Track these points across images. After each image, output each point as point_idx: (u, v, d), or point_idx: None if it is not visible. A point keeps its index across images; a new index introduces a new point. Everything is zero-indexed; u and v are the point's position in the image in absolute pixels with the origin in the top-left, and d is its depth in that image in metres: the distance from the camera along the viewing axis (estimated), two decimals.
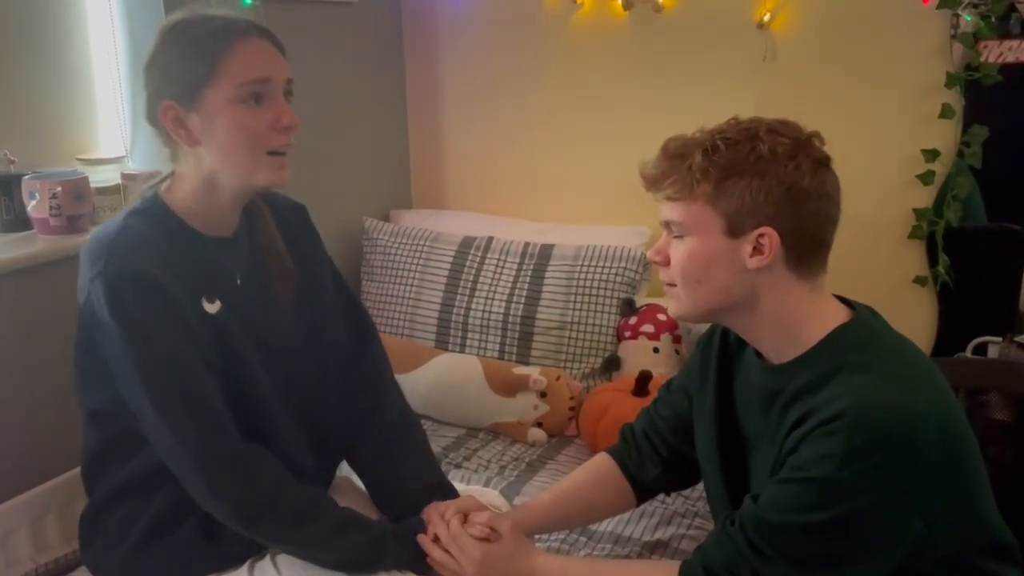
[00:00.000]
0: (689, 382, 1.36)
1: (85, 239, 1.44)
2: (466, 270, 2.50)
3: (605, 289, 2.37)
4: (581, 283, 2.38)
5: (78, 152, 2.06)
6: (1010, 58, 2.15)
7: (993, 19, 2.13)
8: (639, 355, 2.30)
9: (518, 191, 2.77)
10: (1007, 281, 2.26)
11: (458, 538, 1.29)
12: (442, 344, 2.47)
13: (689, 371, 1.37)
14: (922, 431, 1.04)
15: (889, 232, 2.35)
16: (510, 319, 2.40)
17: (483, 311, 2.43)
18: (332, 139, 2.60)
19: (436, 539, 1.32)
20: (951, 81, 2.20)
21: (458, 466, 2.09)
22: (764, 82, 2.37)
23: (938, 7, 2.18)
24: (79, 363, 1.32)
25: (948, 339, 2.32)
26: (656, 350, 2.30)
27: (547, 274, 2.42)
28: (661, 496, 1.67)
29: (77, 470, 1.43)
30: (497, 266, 2.47)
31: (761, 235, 1.10)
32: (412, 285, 2.54)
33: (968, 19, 2.16)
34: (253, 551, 1.33)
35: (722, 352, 1.29)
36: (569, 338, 2.37)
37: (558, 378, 2.23)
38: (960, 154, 2.23)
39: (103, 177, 2.04)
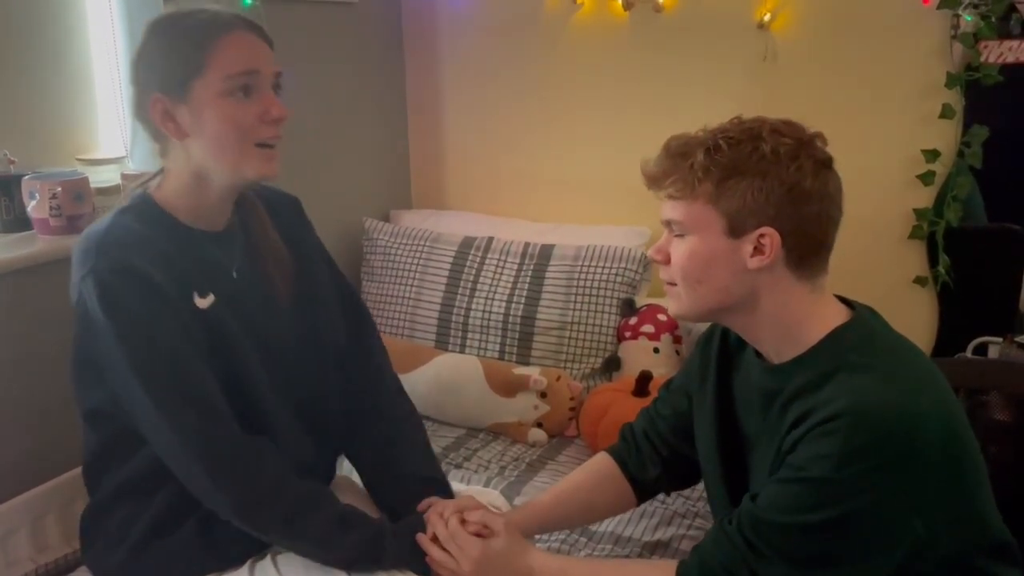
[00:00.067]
0: (689, 382, 1.36)
1: None
2: (466, 270, 2.50)
3: (605, 289, 2.37)
4: (581, 283, 2.38)
5: (78, 152, 2.06)
6: (1010, 58, 2.15)
7: (993, 19, 2.13)
8: (639, 355, 2.30)
9: (518, 191, 2.77)
10: (1007, 281, 2.26)
11: (456, 537, 1.29)
12: (442, 344, 2.47)
13: (689, 371, 1.37)
14: (922, 431, 1.04)
15: (889, 232, 2.35)
16: (510, 319, 2.40)
17: (483, 311, 2.43)
18: (332, 139, 2.60)
19: (435, 538, 1.32)
20: (951, 81, 2.20)
21: (458, 466, 2.09)
22: (764, 82, 2.37)
23: (938, 7, 2.18)
24: (75, 363, 1.32)
25: (948, 339, 2.32)
26: (656, 350, 2.30)
27: (547, 274, 2.42)
28: (661, 496, 1.67)
29: (77, 470, 1.43)
30: (497, 266, 2.47)
31: (762, 235, 1.10)
32: (412, 285, 2.54)
33: (968, 19, 2.16)
34: (253, 551, 1.33)
35: (722, 352, 1.29)
36: (569, 338, 2.37)
37: (558, 378, 2.23)
38: (960, 154, 2.24)
39: (103, 177, 2.04)
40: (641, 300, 2.41)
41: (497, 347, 2.41)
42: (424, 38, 2.81)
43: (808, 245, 1.12)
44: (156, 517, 1.31)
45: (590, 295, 2.37)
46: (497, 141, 2.79)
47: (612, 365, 2.35)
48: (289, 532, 1.27)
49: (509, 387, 2.23)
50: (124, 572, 1.33)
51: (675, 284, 1.17)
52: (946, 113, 2.22)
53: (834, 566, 1.07)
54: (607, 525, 1.77)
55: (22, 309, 1.75)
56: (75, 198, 1.83)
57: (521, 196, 2.76)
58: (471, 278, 2.48)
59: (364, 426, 1.49)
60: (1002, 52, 2.15)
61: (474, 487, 1.65)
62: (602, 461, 1.45)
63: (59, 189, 1.80)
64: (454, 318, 2.47)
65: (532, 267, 2.44)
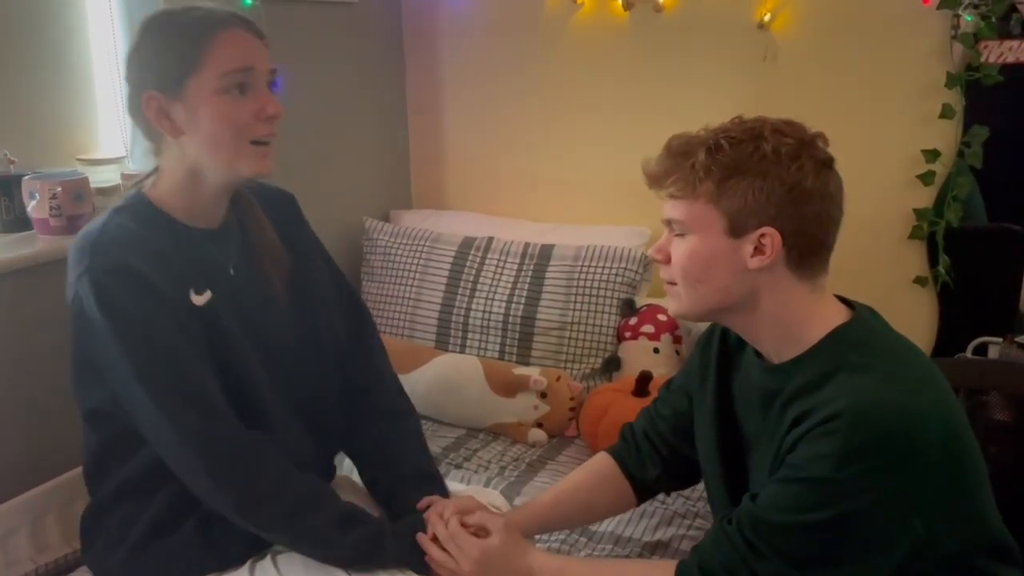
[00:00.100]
0: (689, 382, 1.36)
1: None
2: (466, 270, 2.50)
3: (605, 289, 2.37)
4: (581, 283, 2.38)
5: (78, 152, 2.06)
6: (1010, 58, 2.15)
7: (993, 19, 2.13)
8: (639, 355, 2.30)
9: (518, 191, 2.77)
10: (1007, 281, 2.26)
11: (456, 537, 1.29)
12: (442, 344, 2.47)
13: (689, 371, 1.37)
14: (922, 431, 1.04)
15: (889, 232, 2.35)
16: (510, 319, 2.40)
17: (483, 311, 2.43)
18: (332, 139, 2.60)
19: (435, 538, 1.32)
20: (951, 81, 2.20)
21: (458, 467, 2.09)
22: (764, 82, 2.37)
23: (938, 7, 2.18)
24: (74, 363, 1.32)
25: (948, 339, 2.32)
26: (656, 350, 2.30)
27: (547, 274, 2.42)
28: (661, 496, 1.67)
29: (77, 470, 1.43)
30: (497, 266, 2.47)
31: (763, 235, 1.10)
32: (412, 285, 2.54)
33: (968, 19, 2.16)
34: (254, 551, 1.33)
35: (722, 352, 1.29)
36: (569, 338, 2.37)
37: (558, 378, 2.23)
38: (960, 154, 2.23)
39: (103, 177, 2.04)
40: (641, 300, 2.41)
41: (497, 347, 2.41)
42: (424, 38, 2.81)
43: (809, 245, 1.12)
44: (156, 517, 1.31)
45: (590, 295, 2.37)
46: (497, 141, 2.79)
47: (612, 365, 2.35)
48: (290, 530, 1.27)
49: (509, 387, 2.23)
50: (124, 572, 1.33)
51: (675, 283, 1.17)
52: (946, 113, 2.22)
53: (834, 566, 1.07)
54: (607, 525, 1.77)
55: (22, 309, 1.75)
56: (75, 198, 1.83)
57: (521, 196, 2.76)
58: (471, 278, 2.48)
59: (364, 425, 1.49)
60: (1002, 52, 2.15)
61: (474, 487, 1.65)
62: (602, 461, 1.45)
63: (59, 189, 1.80)
64: (454, 318, 2.47)
65: (532, 267, 2.44)
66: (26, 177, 1.83)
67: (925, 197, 2.31)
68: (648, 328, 2.31)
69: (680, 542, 1.74)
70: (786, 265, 1.12)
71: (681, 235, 1.15)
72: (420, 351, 2.39)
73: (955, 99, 2.22)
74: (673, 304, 1.20)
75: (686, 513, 1.84)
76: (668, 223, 1.16)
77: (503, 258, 2.48)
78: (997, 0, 2.11)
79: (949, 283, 2.30)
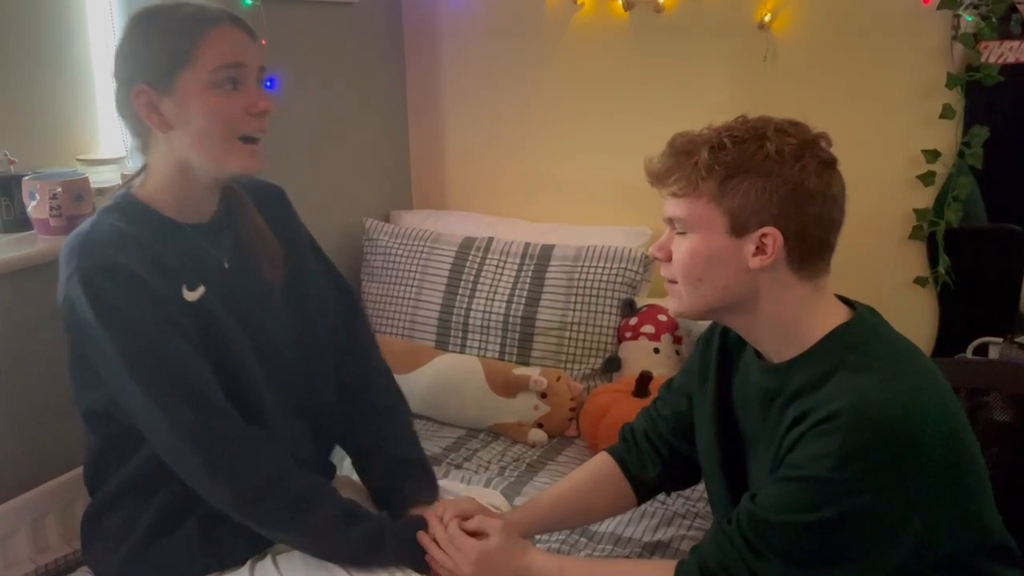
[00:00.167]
0: (689, 382, 1.36)
1: None
2: (466, 271, 2.50)
3: (605, 290, 2.37)
4: (581, 284, 2.38)
5: (78, 152, 2.06)
6: (1011, 59, 2.15)
7: (994, 20, 2.13)
8: (640, 356, 2.30)
9: (518, 192, 2.77)
10: (1008, 282, 2.26)
11: (455, 539, 1.29)
12: (442, 345, 2.47)
13: (689, 371, 1.37)
14: (923, 431, 1.04)
15: (890, 233, 2.35)
16: (510, 320, 2.40)
17: (483, 312, 2.43)
18: (332, 139, 2.60)
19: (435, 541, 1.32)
20: (952, 82, 2.20)
21: (458, 467, 2.09)
22: (764, 82, 2.37)
23: (939, 8, 2.18)
24: (71, 365, 1.32)
25: (949, 340, 2.32)
26: (657, 351, 2.30)
27: (547, 275, 2.42)
28: (661, 497, 1.67)
29: (77, 470, 1.43)
30: (497, 267, 2.47)
31: (764, 235, 1.09)
32: (412, 286, 2.54)
33: (969, 20, 2.16)
34: (254, 551, 1.33)
35: (722, 352, 1.29)
36: (569, 339, 2.37)
37: (559, 379, 2.23)
38: (961, 155, 2.23)
39: (103, 178, 2.04)
40: (641, 300, 2.41)
41: (497, 347, 2.41)
42: (424, 38, 2.81)
43: (810, 246, 1.11)
44: (156, 517, 1.31)
45: (590, 295, 2.37)
46: (498, 141, 2.79)
47: (612, 365, 2.35)
48: (290, 525, 1.26)
49: (509, 387, 2.23)
50: (124, 572, 1.33)
51: (676, 282, 1.17)
52: (946, 113, 2.22)
53: (833, 566, 1.07)
54: (607, 525, 1.77)
55: (22, 309, 1.75)
56: (75, 198, 1.83)
57: (521, 196, 2.76)
58: (471, 278, 2.48)
59: (354, 417, 1.49)
60: (1002, 52, 2.15)
61: (475, 487, 1.65)
62: (602, 461, 1.45)
63: (59, 189, 1.80)
64: (454, 318, 2.46)
65: (532, 267, 2.44)
66: (26, 177, 1.83)
67: (925, 197, 2.31)
68: (648, 328, 2.31)
69: (680, 542, 1.74)
70: (787, 265, 1.11)
71: (682, 233, 1.15)
72: (420, 351, 2.39)
73: (955, 99, 2.22)
74: (673, 303, 1.20)
75: (686, 513, 1.84)
76: (670, 221, 1.16)
77: (503, 258, 2.48)
78: (997, 0, 2.11)
79: (949, 283, 2.30)
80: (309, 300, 1.45)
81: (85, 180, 1.88)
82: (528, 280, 2.43)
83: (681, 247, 1.15)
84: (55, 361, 1.32)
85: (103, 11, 2.05)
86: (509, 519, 1.36)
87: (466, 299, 2.46)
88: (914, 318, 2.34)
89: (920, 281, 2.34)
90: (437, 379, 2.29)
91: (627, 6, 2.49)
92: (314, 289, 1.47)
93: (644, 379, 2.10)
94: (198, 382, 1.22)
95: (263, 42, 2.06)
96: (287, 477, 1.26)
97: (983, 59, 2.16)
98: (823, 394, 1.07)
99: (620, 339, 2.36)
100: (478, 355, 2.40)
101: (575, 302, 2.38)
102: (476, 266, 2.49)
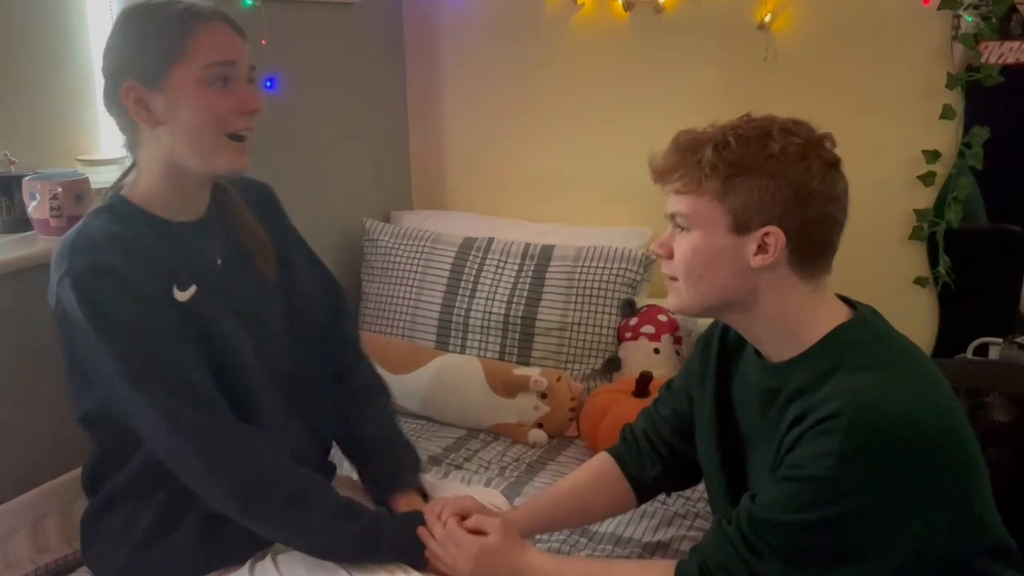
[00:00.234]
0: (689, 382, 1.36)
1: None
2: (467, 271, 2.50)
3: (606, 290, 2.37)
4: (582, 284, 2.38)
5: (78, 152, 2.06)
6: (1011, 59, 2.15)
7: (994, 20, 2.14)
8: (640, 356, 2.30)
9: (519, 192, 2.77)
10: (1008, 282, 2.26)
11: (453, 535, 1.29)
12: (443, 345, 2.47)
13: (689, 371, 1.37)
14: (923, 431, 1.04)
15: (890, 233, 2.35)
16: (511, 320, 2.40)
17: (484, 312, 2.43)
18: (332, 140, 2.60)
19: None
20: (952, 82, 2.20)
21: (459, 467, 2.09)
22: (765, 83, 2.37)
23: (939, 8, 2.18)
24: (66, 368, 1.31)
25: (949, 340, 2.32)
26: (657, 351, 2.29)
27: (548, 275, 2.42)
28: (662, 497, 1.67)
29: (77, 470, 1.43)
30: (498, 267, 2.47)
31: (766, 234, 1.09)
32: (412, 286, 2.54)
33: (969, 20, 2.16)
34: (254, 551, 1.33)
35: (722, 352, 1.29)
36: (570, 339, 2.37)
37: (559, 379, 2.23)
38: (961, 155, 2.24)
39: (104, 178, 2.03)
40: (641, 301, 2.41)
41: (497, 348, 2.41)
42: (424, 38, 2.81)
43: (812, 246, 1.11)
44: (156, 517, 1.31)
45: (590, 296, 2.37)
46: (497, 141, 2.79)
47: (612, 366, 2.35)
48: (289, 522, 1.26)
49: (509, 388, 2.23)
50: (124, 572, 1.33)
51: (676, 279, 1.17)
52: (947, 114, 2.22)
53: (832, 565, 1.07)
54: (607, 526, 1.77)
55: (22, 309, 1.75)
56: (76, 199, 1.83)
57: (522, 197, 2.76)
58: (471, 279, 2.48)
59: (339, 406, 1.50)
60: (1003, 53, 2.15)
61: (475, 487, 1.65)
62: (602, 461, 1.45)
63: (60, 190, 1.80)
64: (454, 319, 2.46)
65: (532, 268, 2.44)
66: (26, 177, 1.83)
67: (925, 198, 2.31)
68: (648, 329, 2.31)
69: (680, 543, 1.74)
70: (788, 265, 1.11)
71: (684, 230, 1.14)
72: (420, 351, 2.39)
73: (956, 100, 2.22)
74: (673, 300, 1.19)
75: (686, 514, 1.84)
76: (672, 217, 1.16)
77: (503, 259, 2.48)
78: (997, 1, 2.12)
79: (949, 284, 2.30)
80: (299, 296, 1.45)
81: (85, 180, 1.88)
82: (528, 280, 2.43)
83: (683, 244, 1.15)
84: (55, 361, 1.32)
85: (103, 11, 2.05)
86: (508, 518, 1.35)
87: (466, 299, 2.46)
88: (914, 318, 2.34)
89: (920, 281, 2.34)
90: (437, 379, 2.29)
91: (627, 6, 2.49)
92: (303, 285, 1.47)
93: (644, 379, 2.10)
94: (192, 381, 1.22)
95: (263, 42, 2.07)
96: (284, 475, 1.26)
97: (983, 59, 2.16)
98: (823, 393, 1.07)
99: (620, 339, 2.36)
100: (478, 355, 2.40)
101: (575, 302, 2.37)
102: (476, 266, 2.49)
